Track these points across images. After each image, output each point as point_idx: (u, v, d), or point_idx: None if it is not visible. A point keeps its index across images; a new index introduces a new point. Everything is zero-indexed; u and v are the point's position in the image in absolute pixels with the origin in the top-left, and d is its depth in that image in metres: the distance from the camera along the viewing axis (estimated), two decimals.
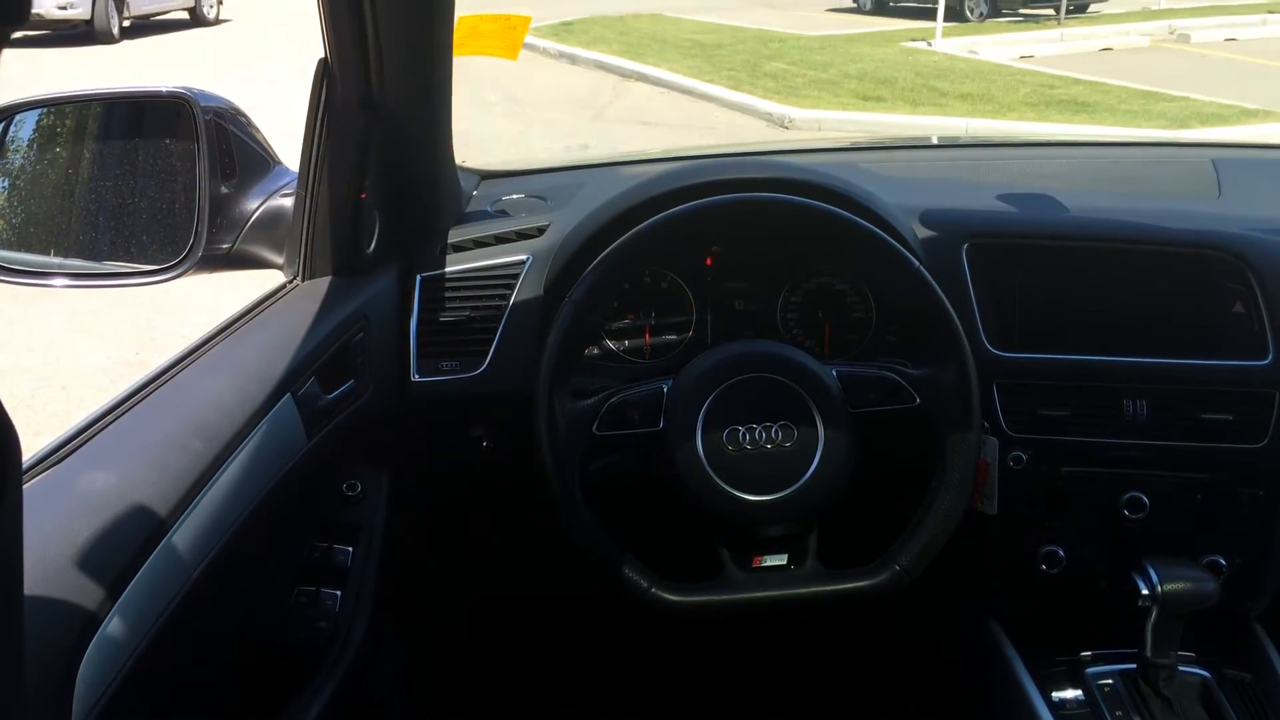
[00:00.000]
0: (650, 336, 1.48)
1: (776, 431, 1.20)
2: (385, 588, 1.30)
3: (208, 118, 1.23)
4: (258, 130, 1.39)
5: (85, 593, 0.77)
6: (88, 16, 11.98)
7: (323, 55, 1.23)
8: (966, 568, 1.45)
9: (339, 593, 1.25)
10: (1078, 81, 9.14)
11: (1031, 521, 1.46)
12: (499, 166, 1.79)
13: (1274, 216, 1.51)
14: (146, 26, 13.44)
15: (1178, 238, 1.44)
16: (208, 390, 1.07)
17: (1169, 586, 1.31)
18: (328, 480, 1.30)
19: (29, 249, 1.25)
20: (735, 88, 8.99)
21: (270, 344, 1.18)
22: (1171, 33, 12.06)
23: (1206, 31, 11.92)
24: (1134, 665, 1.42)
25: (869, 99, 8.58)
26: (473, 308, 1.41)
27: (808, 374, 1.22)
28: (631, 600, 1.18)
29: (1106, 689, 1.43)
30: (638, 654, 1.84)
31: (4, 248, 1.23)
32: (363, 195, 1.30)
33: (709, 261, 1.47)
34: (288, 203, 1.32)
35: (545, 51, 11.07)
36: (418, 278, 1.41)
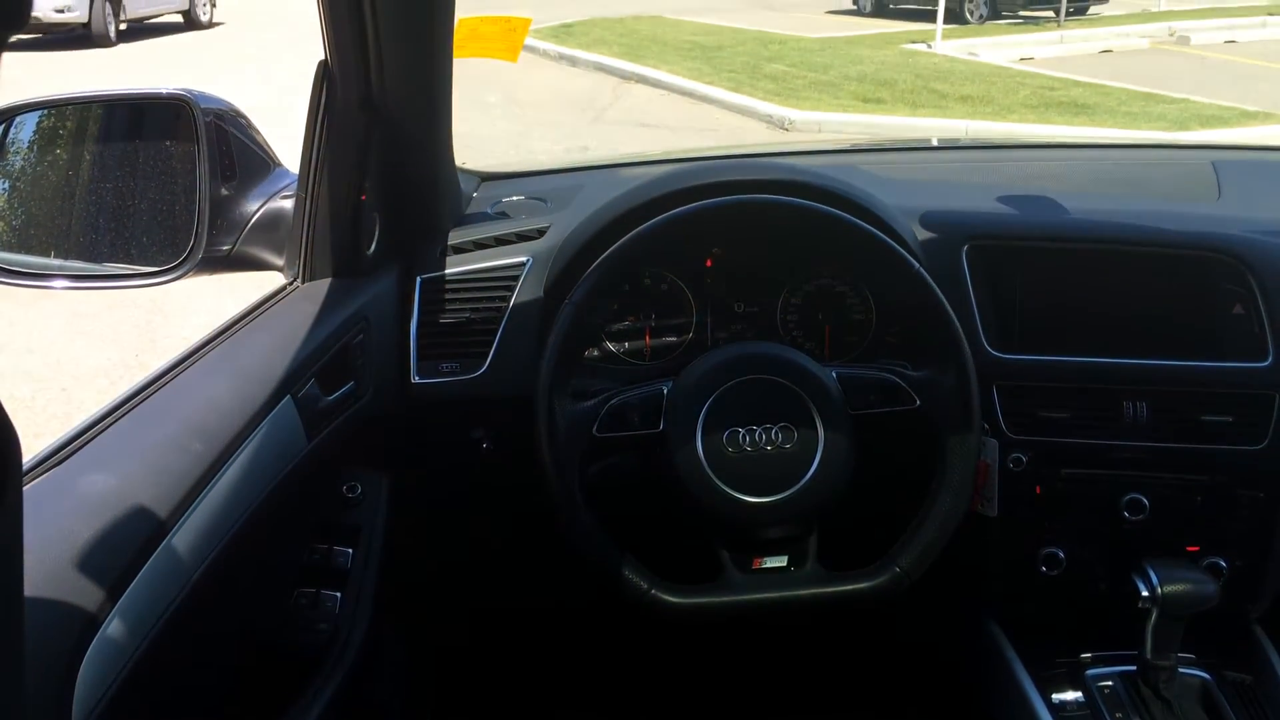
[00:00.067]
0: (650, 338, 1.48)
1: (776, 433, 1.20)
2: (385, 589, 1.30)
3: (208, 119, 1.24)
4: (258, 132, 1.39)
5: (85, 594, 0.77)
6: (85, 19, 12.00)
7: (323, 57, 1.23)
8: (966, 569, 1.45)
9: (339, 594, 1.25)
10: (1077, 83, 9.14)
11: (1031, 523, 1.46)
12: (499, 168, 1.79)
13: (1274, 218, 1.51)
14: (142, 29, 13.48)
15: (1177, 240, 1.44)
16: (208, 392, 1.07)
17: (1169, 588, 1.31)
18: (328, 482, 1.30)
19: (29, 251, 1.26)
20: (735, 90, 8.99)
21: (270, 346, 1.18)
22: (1171, 35, 12.07)
23: (1206, 34, 11.92)
24: (1134, 667, 1.42)
25: (869, 101, 8.59)
26: (473, 309, 1.41)
27: (808, 376, 1.22)
28: (631, 602, 1.18)
29: (1106, 691, 1.43)
30: (638, 655, 1.83)
31: (4, 249, 1.23)
32: (363, 197, 1.30)
33: (709, 263, 1.47)
34: (288, 204, 1.32)
35: (545, 53, 11.08)
36: (418, 279, 1.41)
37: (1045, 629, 1.49)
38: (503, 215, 1.55)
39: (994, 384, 1.41)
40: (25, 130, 1.26)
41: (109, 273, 1.27)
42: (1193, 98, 8.35)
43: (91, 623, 0.76)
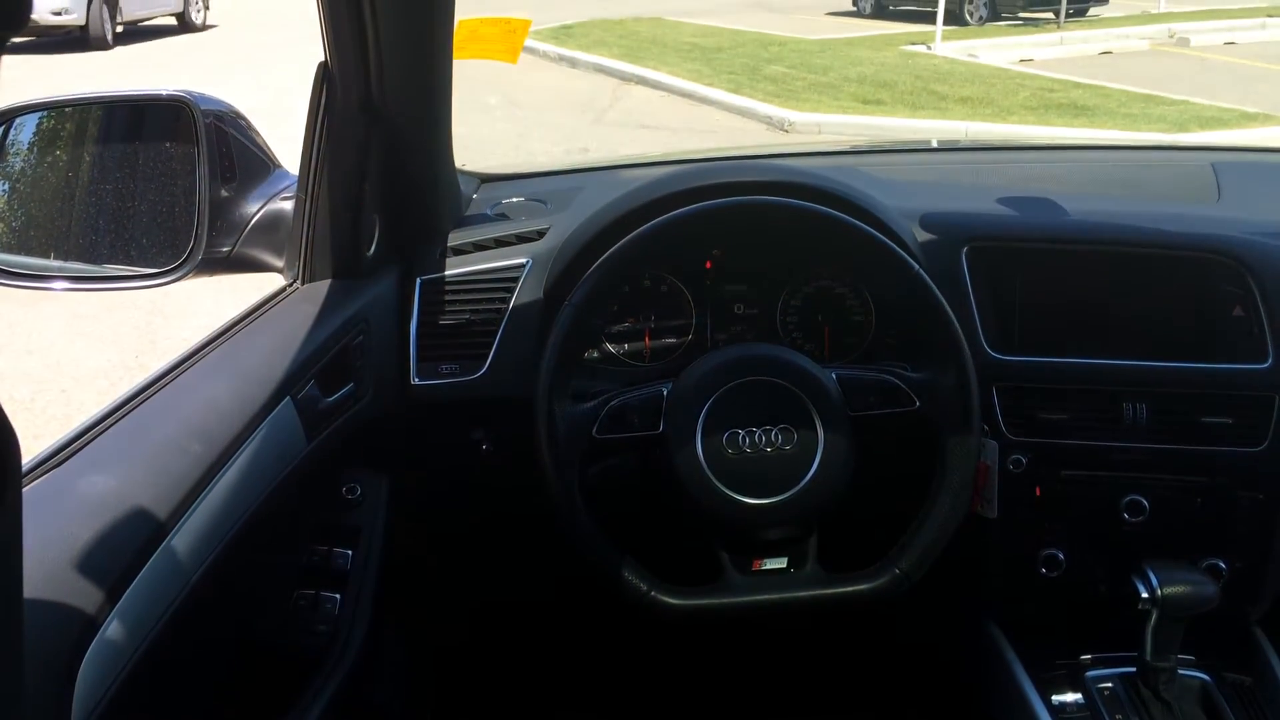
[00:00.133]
0: (650, 340, 1.48)
1: (776, 435, 1.20)
2: (385, 591, 1.30)
3: (208, 121, 1.24)
4: (257, 133, 1.39)
5: (85, 596, 0.77)
6: (82, 22, 11.99)
7: (321, 58, 1.23)
8: (966, 571, 1.45)
9: (338, 596, 1.25)
10: (1077, 85, 9.14)
11: (1031, 525, 1.46)
12: (499, 170, 1.79)
13: (1273, 220, 1.51)
14: (137, 32, 13.50)
15: (1177, 241, 1.44)
16: (207, 393, 1.07)
17: (1169, 590, 1.31)
18: (327, 483, 1.30)
19: (29, 252, 1.26)
20: (735, 91, 8.99)
21: (270, 347, 1.18)
22: (1171, 36, 12.07)
23: (1206, 35, 11.93)
24: (1134, 669, 1.42)
25: (869, 102, 8.59)
26: (472, 311, 1.41)
27: (807, 377, 1.22)
28: (631, 603, 1.18)
29: (1106, 692, 1.43)
30: (637, 657, 1.83)
31: (4, 250, 1.23)
32: (363, 198, 1.30)
33: (709, 265, 1.48)
34: (287, 206, 1.33)
35: (545, 55, 11.08)
36: (417, 281, 1.41)
37: (1045, 630, 1.49)
38: (502, 217, 1.55)
39: (994, 385, 1.41)
40: (25, 131, 1.26)
41: (109, 274, 1.27)
42: (1192, 99, 8.35)
43: (91, 624, 0.76)
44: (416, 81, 1.27)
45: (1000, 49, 11.17)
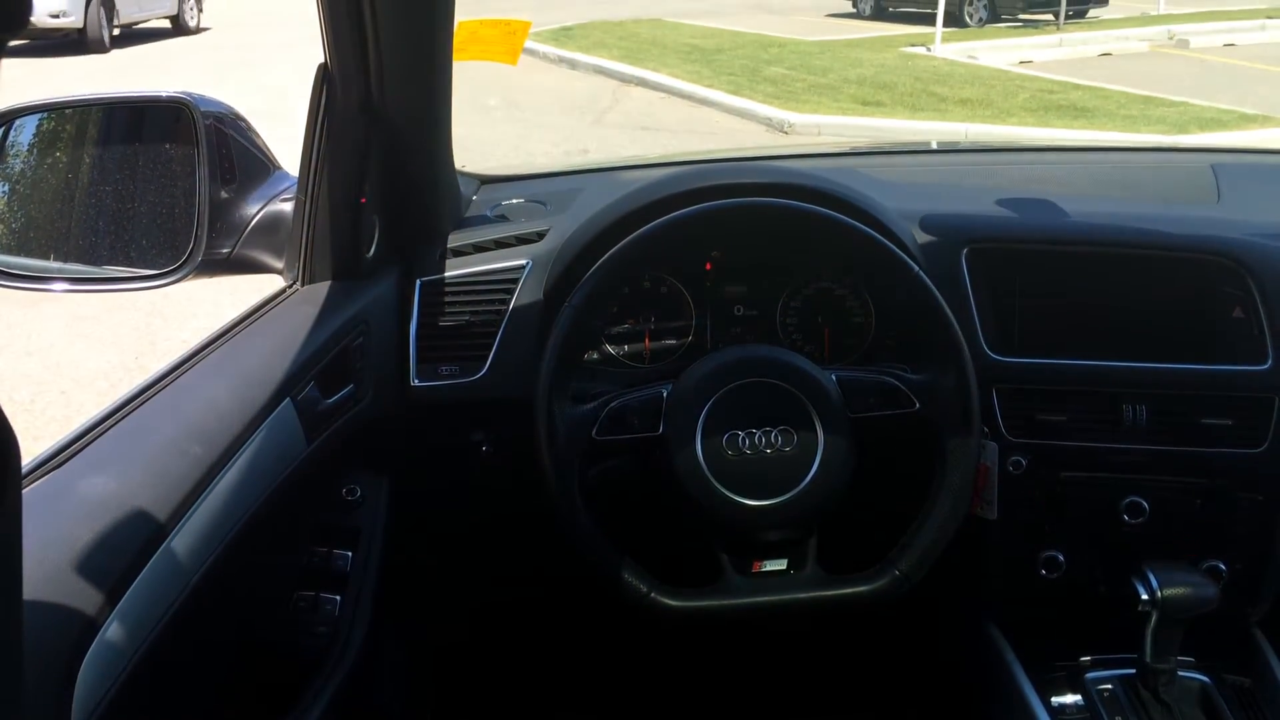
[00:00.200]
0: (650, 341, 1.48)
1: (776, 436, 1.20)
2: (385, 592, 1.30)
3: (207, 122, 1.24)
4: (257, 135, 1.39)
5: (85, 597, 0.77)
6: (80, 24, 11.99)
7: (322, 59, 1.23)
8: (966, 572, 1.45)
9: (338, 597, 1.25)
10: (1077, 86, 9.14)
11: (1031, 526, 1.46)
12: (499, 171, 1.80)
13: (1273, 222, 1.51)
14: (134, 35, 13.52)
15: (1177, 243, 1.44)
16: (207, 395, 1.07)
17: (1169, 591, 1.31)
18: (327, 485, 1.30)
19: (29, 253, 1.26)
20: (735, 93, 8.99)
21: (270, 349, 1.18)
22: (1171, 38, 12.07)
23: (1205, 37, 11.92)
24: (1134, 670, 1.42)
25: (868, 104, 8.59)
26: (472, 312, 1.41)
27: (807, 379, 1.22)
28: (631, 605, 1.18)
29: (1106, 694, 1.43)
30: (637, 658, 1.83)
31: (4, 252, 1.23)
32: (362, 200, 1.30)
33: (708, 266, 1.48)
34: (287, 207, 1.33)
35: (545, 56, 11.08)
36: (417, 282, 1.41)
37: (1045, 632, 1.49)
38: (502, 218, 1.55)
39: (994, 387, 1.41)
40: (25, 133, 1.26)
41: (109, 275, 1.27)
42: (1192, 101, 8.35)
43: (91, 625, 0.76)
44: (416, 83, 1.27)
45: (1000, 50, 11.17)
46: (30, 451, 0.70)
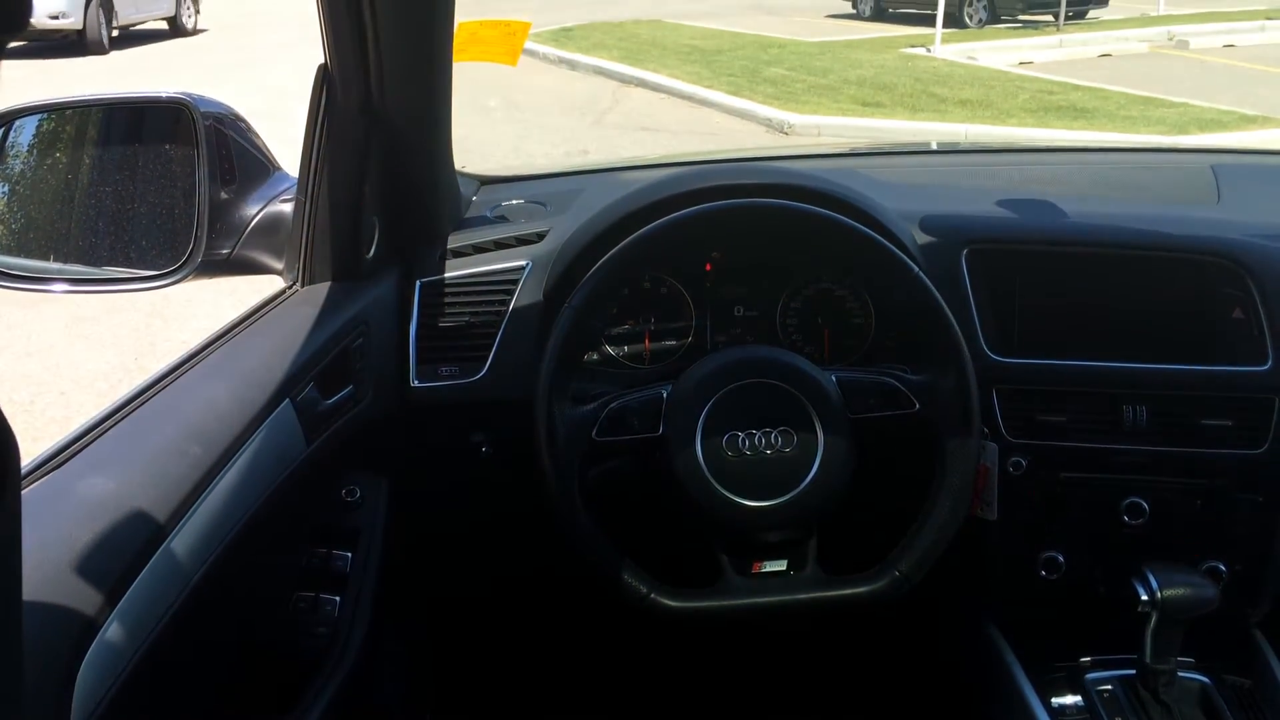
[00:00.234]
0: (650, 342, 1.48)
1: (776, 437, 1.20)
2: (385, 593, 1.30)
3: (207, 123, 1.24)
4: (257, 135, 1.39)
5: (84, 598, 0.77)
6: (80, 26, 11.99)
7: (322, 60, 1.23)
8: (966, 573, 1.45)
9: (338, 598, 1.25)
10: (1077, 87, 9.14)
11: (1031, 527, 1.46)
12: (499, 172, 1.80)
13: (1273, 223, 1.51)
14: (133, 36, 13.54)
15: (1177, 243, 1.44)
16: (207, 396, 1.07)
17: (1169, 592, 1.31)
18: (327, 486, 1.30)
19: (29, 254, 1.26)
20: (735, 93, 9.00)
21: (269, 349, 1.18)
22: (1170, 39, 12.07)
23: (1205, 38, 11.93)
24: (1133, 671, 1.41)
25: (868, 105, 8.59)
26: (472, 313, 1.41)
27: (807, 379, 1.22)
28: (631, 605, 1.18)
29: (1106, 695, 1.43)
30: (637, 659, 1.83)
31: (4, 253, 1.23)
32: (362, 201, 1.30)
33: (708, 267, 1.48)
34: (287, 208, 1.33)
35: (545, 57, 11.09)
36: (417, 283, 1.41)
37: (1045, 632, 1.49)
38: (502, 219, 1.55)
39: (994, 388, 1.41)
40: (25, 134, 1.26)
41: (108, 276, 1.27)
42: (1192, 102, 8.35)
43: (90, 626, 0.76)
44: (416, 83, 1.27)
45: (999, 51, 11.17)
46: (30, 452, 0.70)
